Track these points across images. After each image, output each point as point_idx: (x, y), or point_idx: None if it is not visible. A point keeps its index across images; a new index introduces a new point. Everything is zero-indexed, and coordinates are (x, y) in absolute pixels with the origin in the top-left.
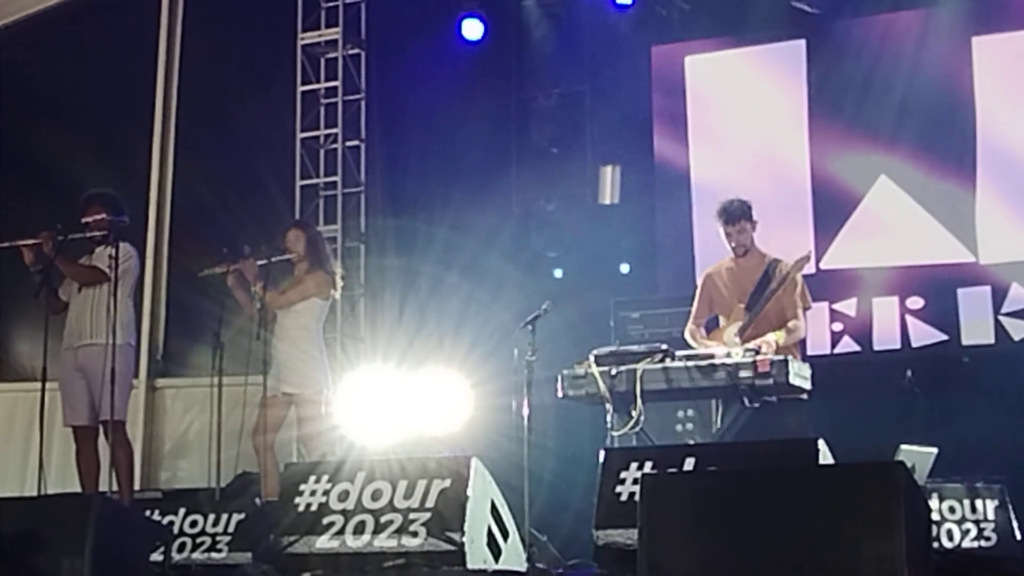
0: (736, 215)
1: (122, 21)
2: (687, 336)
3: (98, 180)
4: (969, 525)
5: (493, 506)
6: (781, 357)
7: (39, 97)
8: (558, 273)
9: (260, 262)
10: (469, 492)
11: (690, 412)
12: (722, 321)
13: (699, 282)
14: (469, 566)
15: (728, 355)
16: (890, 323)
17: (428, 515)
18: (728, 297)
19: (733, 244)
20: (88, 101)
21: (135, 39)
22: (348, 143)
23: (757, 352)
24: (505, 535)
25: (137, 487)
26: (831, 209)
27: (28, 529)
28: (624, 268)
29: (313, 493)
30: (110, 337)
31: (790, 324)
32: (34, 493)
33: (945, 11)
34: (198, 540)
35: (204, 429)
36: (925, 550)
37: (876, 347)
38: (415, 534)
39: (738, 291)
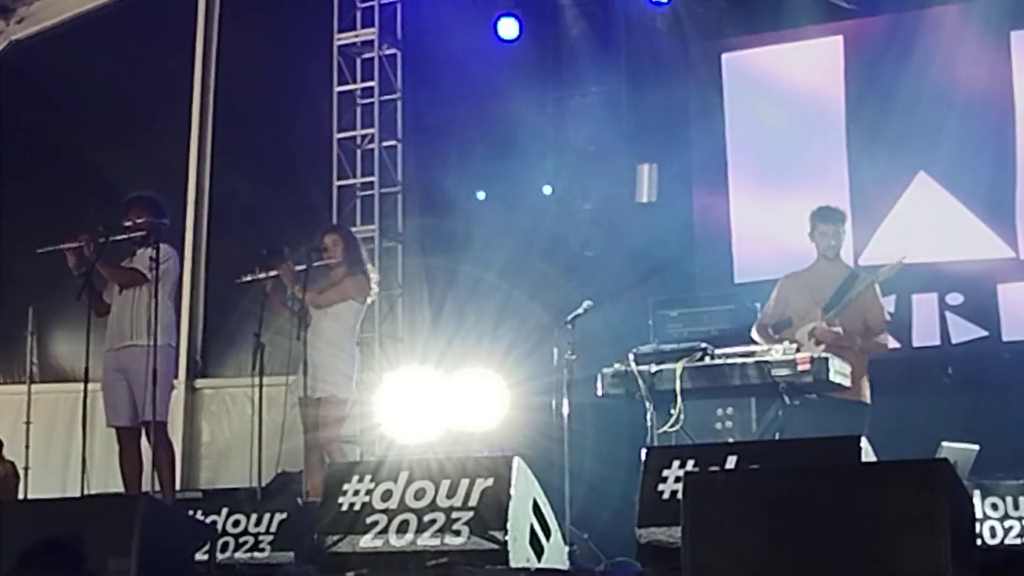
0: (836, 216)
1: (159, 24)
2: (754, 333)
3: (137, 182)
4: (1012, 522)
5: (535, 505)
6: (821, 355)
7: (77, 100)
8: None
9: (299, 267)
10: (512, 491)
11: (729, 410)
12: (795, 322)
13: (778, 283)
14: (512, 565)
15: (768, 352)
16: (930, 319)
17: (471, 514)
18: (808, 300)
19: (830, 243)
20: (126, 104)
21: (172, 42)
22: (385, 143)
23: (798, 350)
24: (548, 534)
25: (177, 487)
26: (869, 205)
27: (74, 529)
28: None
29: (356, 492)
30: (151, 338)
31: (880, 338)
32: (76, 493)
33: (983, 5)
34: (241, 540)
35: (244, 429)
36: (969, 547)
37: (916, 344)
38: (458, 533)
39: (817, 295)
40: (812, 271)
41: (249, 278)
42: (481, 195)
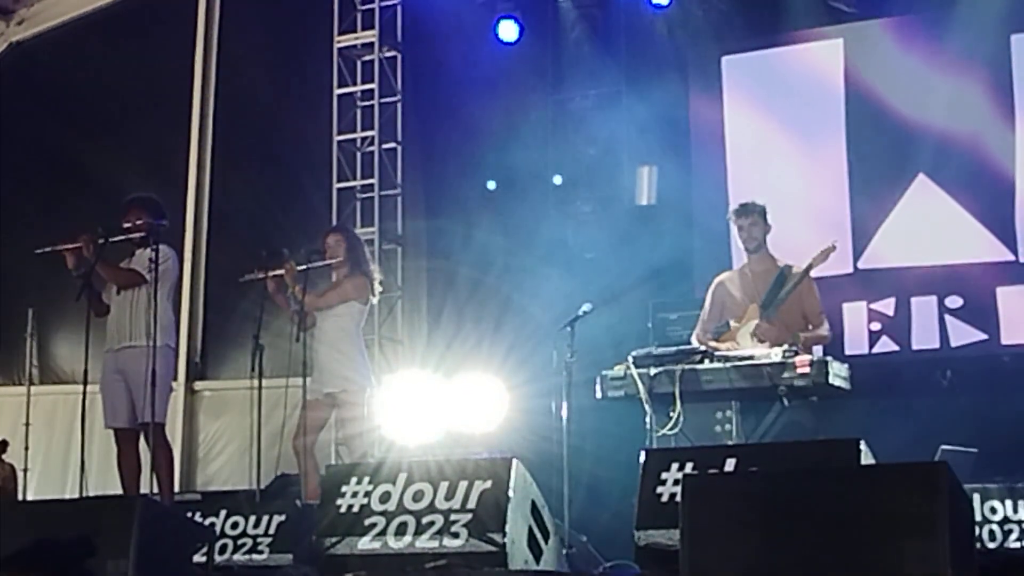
0: (748, 209)
1: (159, 25)
2: (694, 342)
3: (137, 184)
4: (1011, 526)
5: (534, 507)
6: (821, 357)
7: (77, 102)
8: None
9: (300, 267)
10: (510, 493)
11: (728, 413)
12: (733, 325)
13: (710, 288)
14: (510, 567)
15: (767, 355)
16: (929, 322)
17: (469, 516)
18: (741, 300)
19: (744, 236)
20: (127, 105)
21: (172, 43)
22: (385, 145)
23: (796, 352)
24: (546, 536)
25: (176, 489)
26: (869, 208)
27: (73, 531)
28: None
29: (355, 494)
30: (149, 340)
31: (821, 331)
32: (75, 495)
33: (983, 9)
34: (239, 542)
35: (243, 431)
36: (969, 551)
37: (915, 347)
38: (456, 535)
39: (752, 293)
40: (742, 271)
41: (251, 277)
42: (491, 184)
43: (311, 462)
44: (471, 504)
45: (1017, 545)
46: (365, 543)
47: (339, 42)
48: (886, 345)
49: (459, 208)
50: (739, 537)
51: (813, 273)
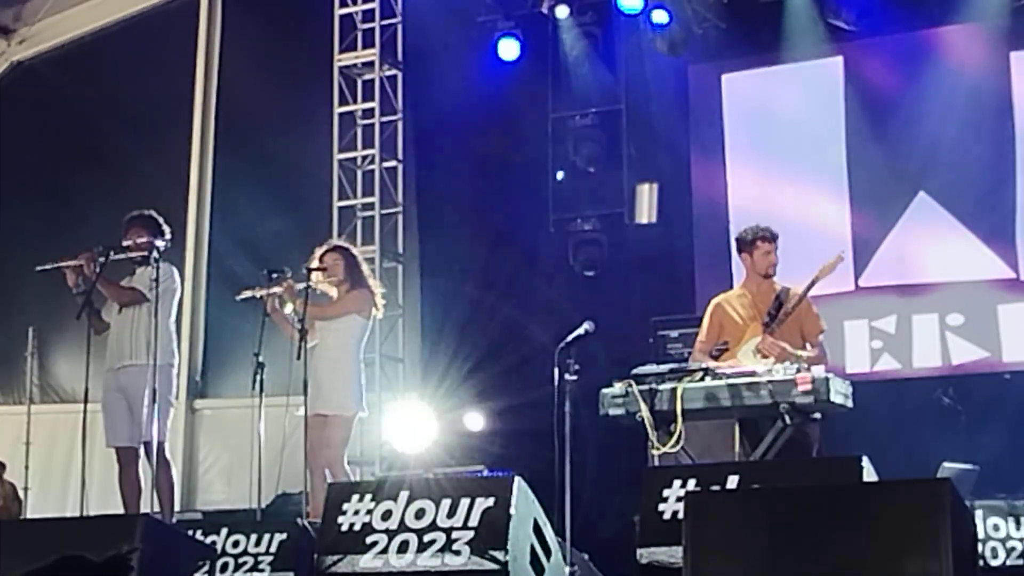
0: (776, 234)
1: (161, 44)
2: (692, 363)
3: (138, 202)
4: (1014, 543)
5: (536, 524)
6: (823, 375)
7: (79, 120)
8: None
9: (300, 285)
10: (512, 511)
11: (730, 430)
12: (732, 345)
13: (708, 310)
14: None
15: (769, 372)
16: (930, 340)
17: (471, 534)
18: (741, 322)
19: (773, 261)
20: (128, 124)
21: (174, 62)
22: (385, 164)
23: (798, 370)
24: (548, 553)
25: (177, 507)
26: (870, 226)
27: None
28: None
29: (356, 512)
30: (150, 358)
31: (817, 352)
32: (76, 514)
33: (983, 27)
34: (240, 560)
35: (243, 449)
36: (971, 568)
37: (916, 364)
38: (458, 553)
39: (753, 314)
40: (743, 293)
41: (248, 294)
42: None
43: (319, 479)
44: (473, 522)
45: (1019, 563)
46: (367, 561)
47: (340, 60)
48: (888, 363)
49: (460, 227)
50: (741, 554)
51: (814, 290)
